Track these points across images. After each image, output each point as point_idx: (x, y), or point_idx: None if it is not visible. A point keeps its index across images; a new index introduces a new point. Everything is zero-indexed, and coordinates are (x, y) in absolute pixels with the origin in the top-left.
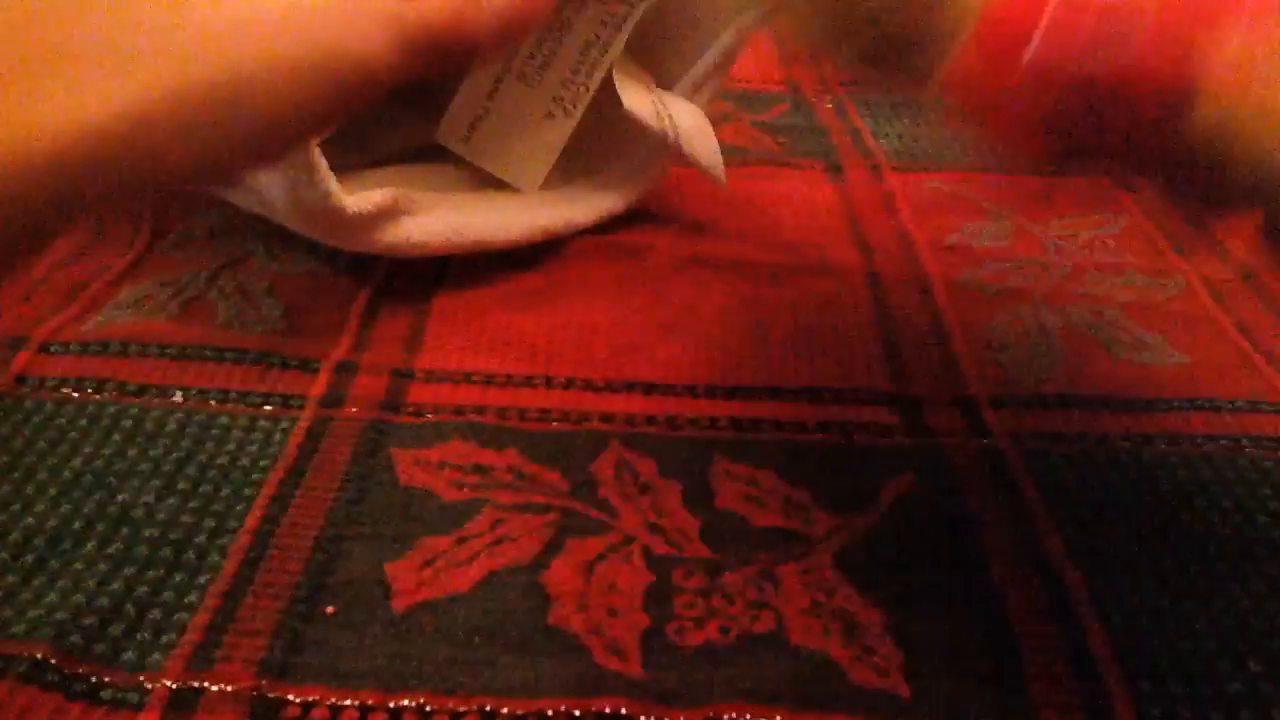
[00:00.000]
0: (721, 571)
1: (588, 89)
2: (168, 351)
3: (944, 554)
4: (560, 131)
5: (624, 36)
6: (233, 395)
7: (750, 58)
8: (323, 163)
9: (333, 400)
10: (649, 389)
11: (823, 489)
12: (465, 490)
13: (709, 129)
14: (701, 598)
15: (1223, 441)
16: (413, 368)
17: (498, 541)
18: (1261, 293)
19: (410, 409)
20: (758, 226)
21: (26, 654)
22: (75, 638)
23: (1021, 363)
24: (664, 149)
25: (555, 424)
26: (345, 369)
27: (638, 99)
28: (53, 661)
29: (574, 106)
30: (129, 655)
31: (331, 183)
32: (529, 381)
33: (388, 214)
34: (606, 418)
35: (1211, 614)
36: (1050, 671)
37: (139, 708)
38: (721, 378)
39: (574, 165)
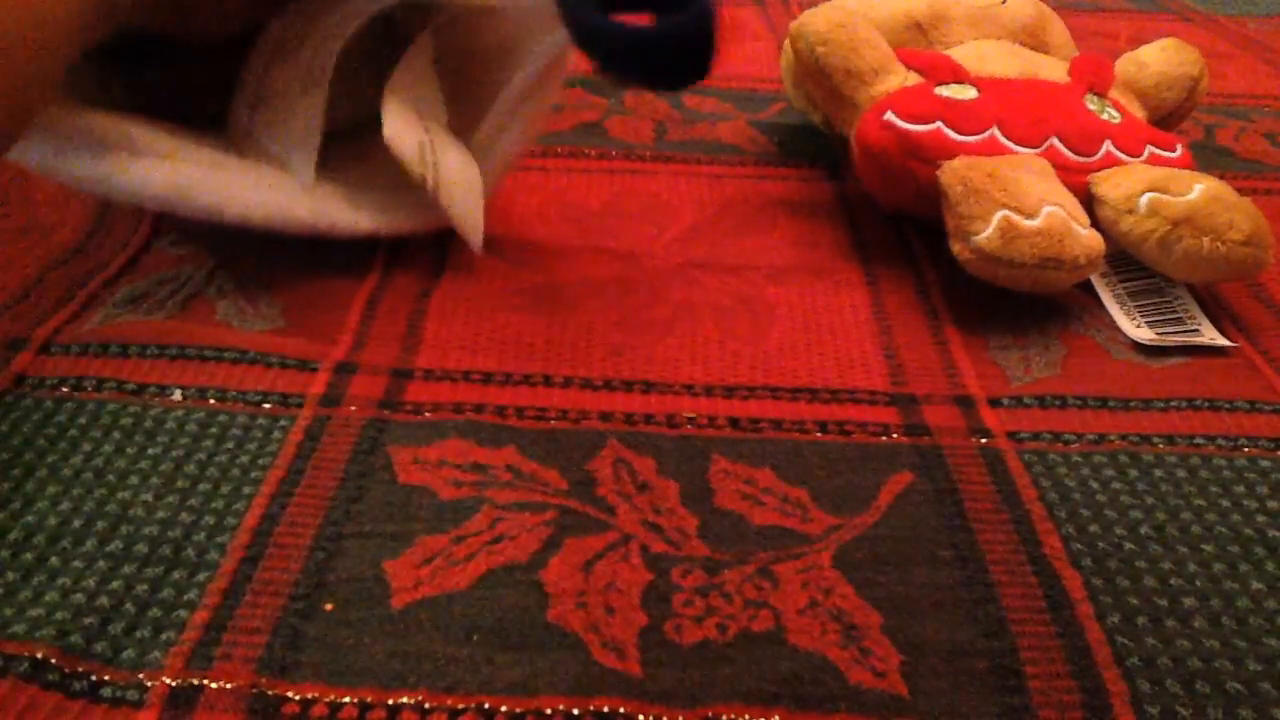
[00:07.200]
0: (720, 570)
1: (332, 54)
2: (167, 350)
3: (944, 554)
4: (314, 103)
5: None
6: (231, 394)
7: (750, 58)
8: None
9: (332, 399)
10: (647, 387)
11: (821, 488)
12: (463, 488)
13: (478, 185)
14: (700, 596)
15: (1222, 441)
16: (411, 366)
17: (496, 540)
18: (1260, 292)
19: (409, 407)
20: (755, 226)
21: (26, 653)
22: (75, 636)
23: (1021, 363)
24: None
25: (553, 422)
26: (344, 368)
27: (404, 135)
28: (53, 660)
29: (322, 73)
30: (129, 653)
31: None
32: (527, 380)
33: (107, 145)
34: (605, 416)
35: (1211, 614)
36: (1050, 671)
37: (139, 706)
38: (720, 376)
39: (384, 174)
